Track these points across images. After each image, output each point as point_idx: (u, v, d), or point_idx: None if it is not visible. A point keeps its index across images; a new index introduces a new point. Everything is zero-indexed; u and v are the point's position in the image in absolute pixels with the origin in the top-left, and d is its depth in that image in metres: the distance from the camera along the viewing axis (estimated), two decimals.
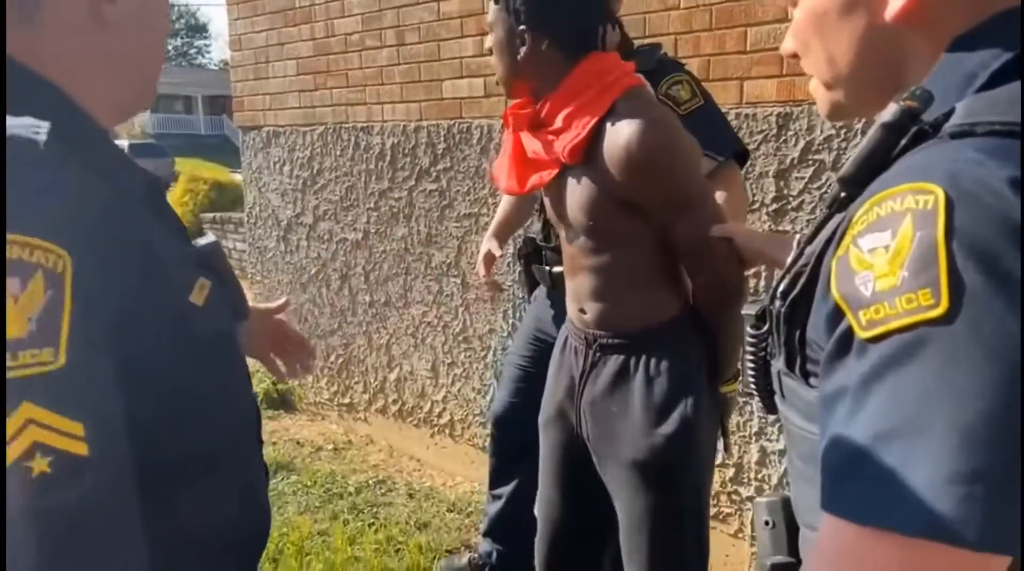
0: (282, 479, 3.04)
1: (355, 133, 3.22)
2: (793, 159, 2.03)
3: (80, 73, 0.63)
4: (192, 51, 59.34)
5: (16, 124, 0.56)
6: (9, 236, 0.49)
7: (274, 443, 3.39)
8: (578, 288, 1.43)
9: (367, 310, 3.34)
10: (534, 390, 2.12)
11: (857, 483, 0.44)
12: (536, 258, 2.02)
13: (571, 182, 1.33)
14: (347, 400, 3.55)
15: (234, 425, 0.73)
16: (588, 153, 1.28)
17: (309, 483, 3.01)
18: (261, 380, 3.93)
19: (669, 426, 1.32)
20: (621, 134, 1.23)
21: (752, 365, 0.66)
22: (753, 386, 0.67)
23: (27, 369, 0.48)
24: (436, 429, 3.15)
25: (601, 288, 1.38)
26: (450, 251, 2.93)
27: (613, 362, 1.38)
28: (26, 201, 0.51)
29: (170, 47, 57.11)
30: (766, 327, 0.62)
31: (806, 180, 2.03)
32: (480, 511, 2.61)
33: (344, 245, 3.38)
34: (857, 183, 0.53)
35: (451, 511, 2.79)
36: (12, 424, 0.47)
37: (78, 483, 0.49)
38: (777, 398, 0.64)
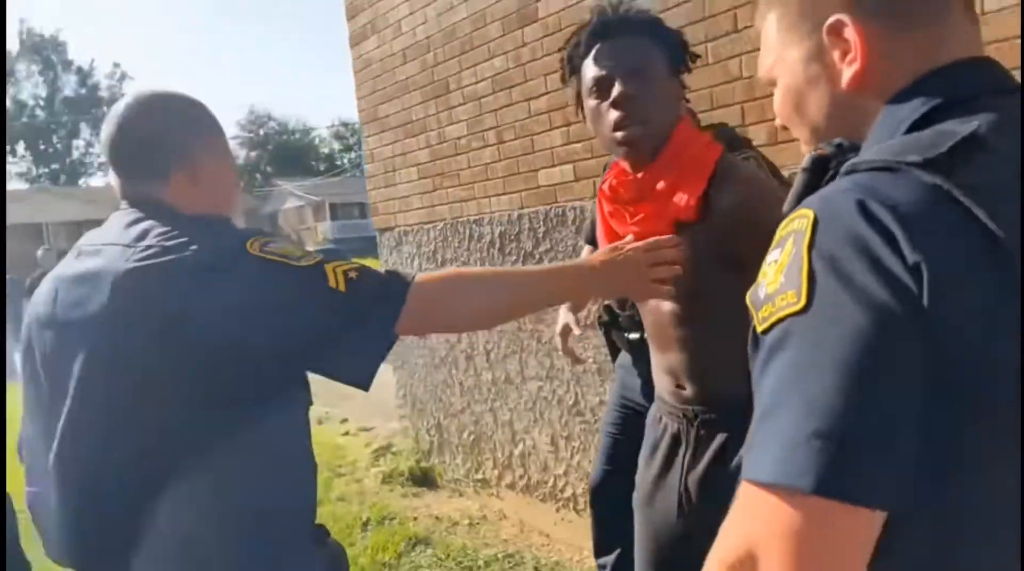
0: (419, 553, 3.23)
1: (469, 226, 3.51)
2: None
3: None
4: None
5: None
6: None
7: (415, 518, 3.61)
8: (672, 362, 1.38)
9: (490, 388, 3.53)
10: (625, 457, 2.17)
11: (751, 449, 0.55)
12: (615, 325, 2.12)
13: None
14: (480, 476, 3.71)
15: None
16: (699, 213, 1.29)
17: (443, 556, 3.17)
18: (407, 458, 4.22)
19: None
20: (737, 190, 1.27)
21: None
22: None
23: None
24: (561, 503, 3.22)
25: (701, 360, 1.34)
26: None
27: (719, 437, 1.33)
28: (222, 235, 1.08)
29: (345, 161, 63.18)
30: None
31: None
32: None
33: None
34: (795, 205, 0.66)
35: None
36: None
37: None
38: None
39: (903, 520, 0.52)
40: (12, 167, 45.40)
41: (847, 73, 0.66)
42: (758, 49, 0.78)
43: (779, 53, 0.73)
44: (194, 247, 1.01)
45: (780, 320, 0.56)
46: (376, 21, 3.96)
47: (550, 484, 3.26)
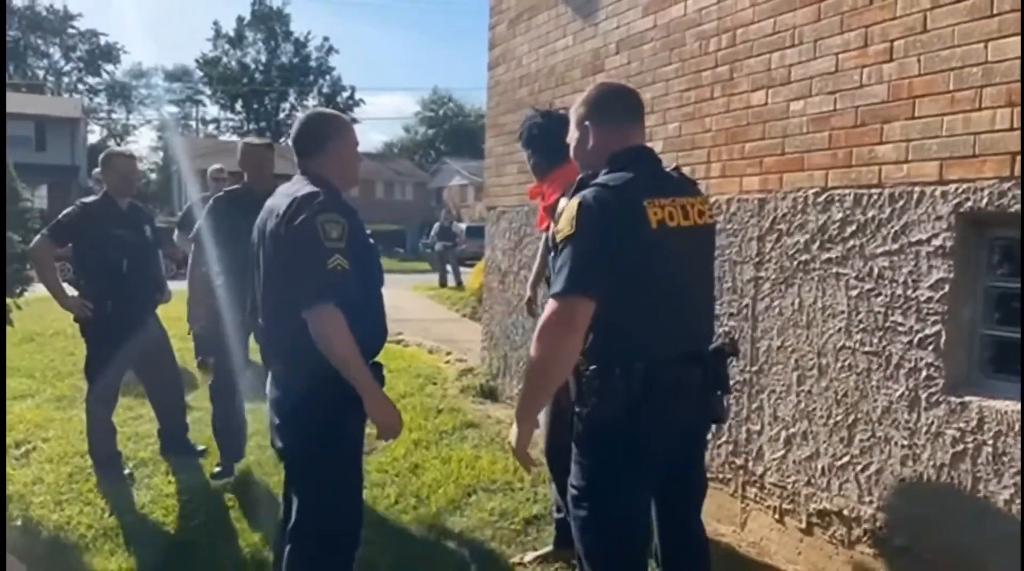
0: (470, 432, 4.62)
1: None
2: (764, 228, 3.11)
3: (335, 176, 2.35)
4: None
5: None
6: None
7: (473, 413, 5.01)
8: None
9: None
10: None
11: (551, 284, 1.85)
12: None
13: None
14: None
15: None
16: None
17: (485, 437, 4.53)
18: (480, 378, 5.62)
19: None
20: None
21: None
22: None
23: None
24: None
25: None
26: None
27: None
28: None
29: None
30: None
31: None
32: None
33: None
34: (572, 195, 1.96)
35: None
36: None
37: None
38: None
39: (600, 303, 1.79)
40: (228, 122, 51.94)
41: (591, 144, 2.00)
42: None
43: (572, 133, 2.07)
44: (300, 198, 2.17)
45: (566, 237, 1.82)
46: (505, 53, 5.35)
47: None
